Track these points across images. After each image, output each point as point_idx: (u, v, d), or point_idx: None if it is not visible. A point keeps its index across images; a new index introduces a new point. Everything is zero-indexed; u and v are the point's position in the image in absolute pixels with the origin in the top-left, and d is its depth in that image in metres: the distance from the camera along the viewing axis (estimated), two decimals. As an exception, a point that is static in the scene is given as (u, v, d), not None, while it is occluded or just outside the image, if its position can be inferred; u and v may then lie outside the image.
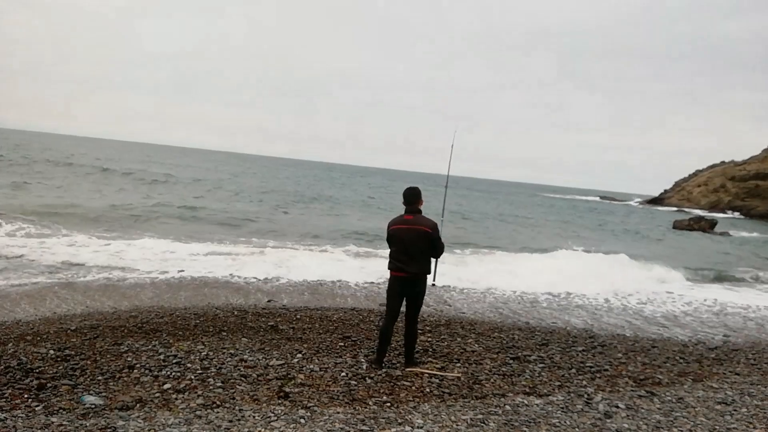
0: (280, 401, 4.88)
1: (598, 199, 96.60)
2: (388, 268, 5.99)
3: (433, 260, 6.05)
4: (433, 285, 5.99)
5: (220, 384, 5.19)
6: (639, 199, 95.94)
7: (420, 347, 6.93)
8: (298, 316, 8.31)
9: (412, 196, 5.89)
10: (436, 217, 6.23)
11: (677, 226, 39.30)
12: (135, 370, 5.42)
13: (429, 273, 5.95)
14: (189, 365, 5.63)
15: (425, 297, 6.11)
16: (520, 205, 55.26)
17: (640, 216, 53.49)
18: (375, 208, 33.82)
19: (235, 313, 8.27)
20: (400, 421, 4.59)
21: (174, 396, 4.85)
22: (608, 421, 4.92)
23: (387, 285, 6.09)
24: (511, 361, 6.67)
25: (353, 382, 5.50)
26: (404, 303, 6.01)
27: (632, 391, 5.90)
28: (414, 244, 5.77)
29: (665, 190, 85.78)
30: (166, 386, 5.05)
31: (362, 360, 6.22)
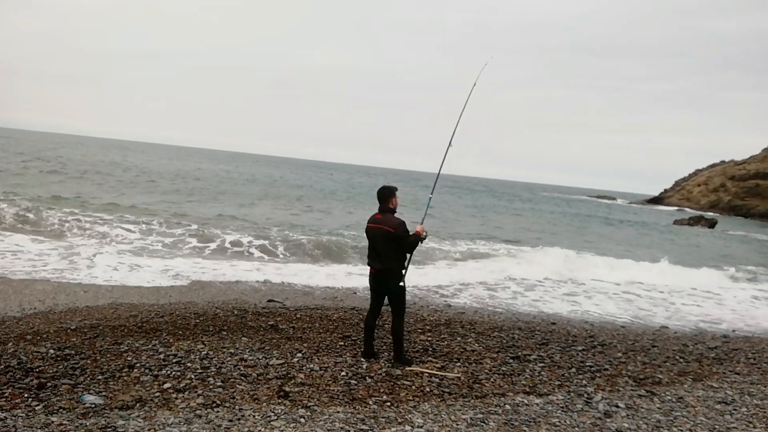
0: (280, 400, 4.88)
1: (586, 198, 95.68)
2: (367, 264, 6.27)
3: (406, 259, 6.13)
4: (401, 285, 5.99)
5: (220, 383, 5.18)
6: (627, 200, 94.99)
7: (420, 346, 6.94)
8: (298, 316, 8.31)
9: (384, 196, 6.12)
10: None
11: (677, 225, 39.36)
12: (135, 370, 5.41)
13: (399, 269, 6.03)
14: (189, 364, 5.63)
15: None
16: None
17: (645, 216, 53.45)
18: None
19: (235, 312, 8.27)
20: (400, 420, 4.59)
21: (174, 395, 4.85)
22: (608, 420, 4.92)
23: None
24: (511, 361, 6.67)
25: (353, 382, 5.50)
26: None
27: (632, 390, 5.90)
28: (380, 242, 6.01)
29: (665, 190, 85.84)
30: (166, 385, 5.05)
31: (362, 359, 6.22)
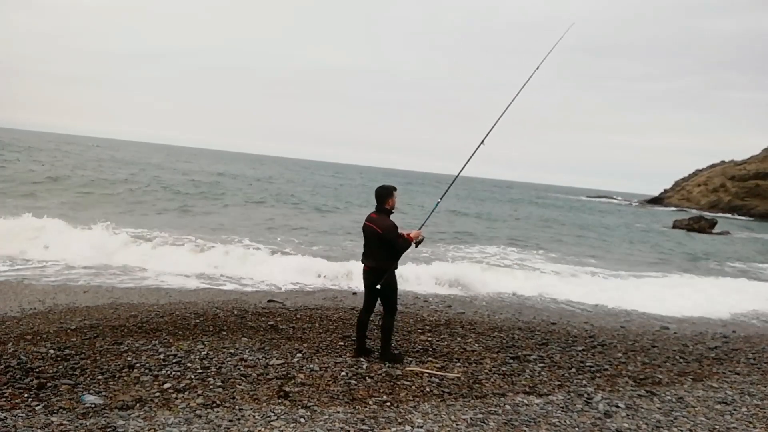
0: (280, 401, 4.88)
1: (585, 198, 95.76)
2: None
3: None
4: (377, 288, 6.00)
5: (220, 383, 5.19)
6: (627, 200, 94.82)
7: (420, 347, 6.94)
8: (298, 316, 8.31)
9: (381, 196, 6.15)
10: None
11: (677, 225, 39.34)
12: (135, 370, 5.41)
13: (390, 268, 6.02)
14: (189, 365, 5.63)
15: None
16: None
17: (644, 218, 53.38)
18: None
19: (235, 312, 8.27)
20: (400, 420, 4.59)
21: (174, 395, 4.85)
22: (608, 420, 4.92)
23: None
24: (511, 361, 6.67)
25: (353, 382, 5.50)
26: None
27: (632, 390, 5.90)
28: (370, 240, 6.09)
29: (665, 190, 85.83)
30: (166, 385, 5.05)
31: (362, 359, 6.22)
